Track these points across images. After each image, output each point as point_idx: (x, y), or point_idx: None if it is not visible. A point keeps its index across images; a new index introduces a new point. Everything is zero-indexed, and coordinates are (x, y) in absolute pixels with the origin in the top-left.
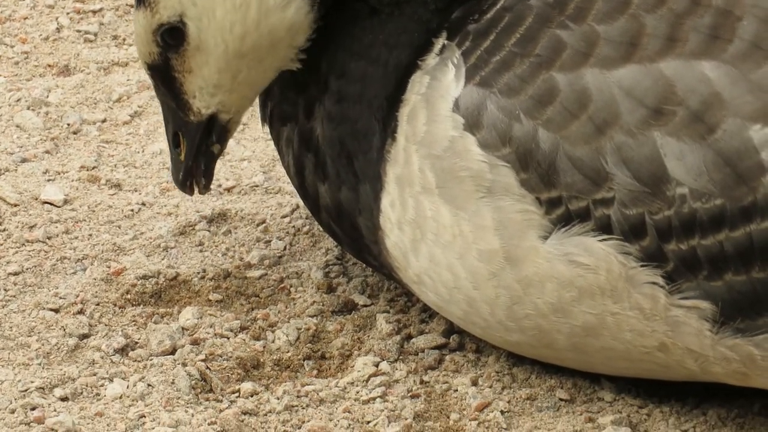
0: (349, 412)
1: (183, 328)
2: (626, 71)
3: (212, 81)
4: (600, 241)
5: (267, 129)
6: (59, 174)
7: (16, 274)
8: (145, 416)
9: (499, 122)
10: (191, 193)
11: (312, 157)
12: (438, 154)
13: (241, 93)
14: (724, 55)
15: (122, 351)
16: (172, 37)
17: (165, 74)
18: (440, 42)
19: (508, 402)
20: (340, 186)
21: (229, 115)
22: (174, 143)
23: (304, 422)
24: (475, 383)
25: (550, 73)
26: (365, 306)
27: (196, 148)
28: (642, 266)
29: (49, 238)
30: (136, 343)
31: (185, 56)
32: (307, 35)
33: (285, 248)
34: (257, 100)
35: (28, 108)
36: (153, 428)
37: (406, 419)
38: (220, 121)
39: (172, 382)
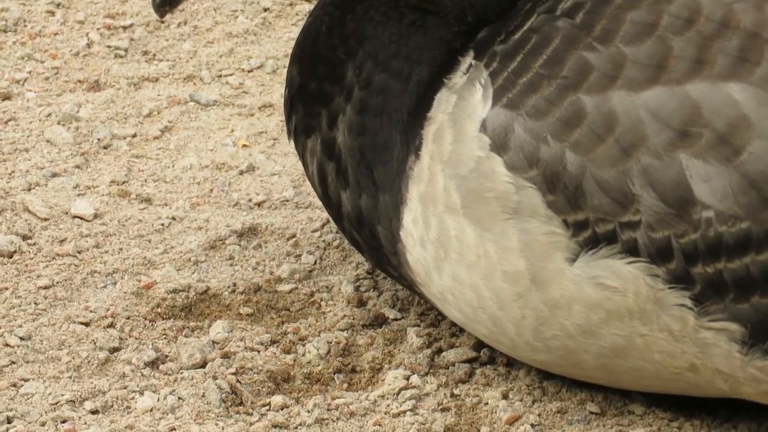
0: (379, 425)
1: (213, 342)
2: (653, 93)
3: None
4: (627, 263)
5: (293, 143)
6: (89, 188)
7: (46, 287)
8: (175, 429)
9: (526, 144)
10: (160, 15)
11: (334, 165)
12: (464, 174)
13: None
14: (751, 77)
15: (153, 364)
16: None
17: None
18: (467, 61)
19: (539, 415)
20: (360, 193)
21: None
22: None
23: None
24: (505, 396)
25: (577, 95)
26: (396, 320)
27: None
28: (670, 288)
29: (79, 252)
30: (167, 356)
31: None
32: None
33: (315, 262)
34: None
35: (59, 123)
36: None
37: None
38: None
39: (203, 396)
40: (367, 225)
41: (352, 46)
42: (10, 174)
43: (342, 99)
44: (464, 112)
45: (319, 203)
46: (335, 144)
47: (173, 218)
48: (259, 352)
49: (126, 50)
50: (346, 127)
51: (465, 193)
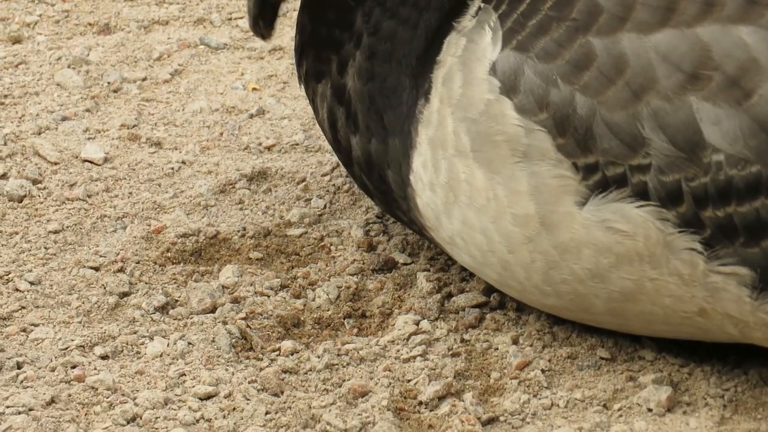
0: (389, 370)
1: (223, 287)
2: (663, 36)
3: None
4: (637, 207)
5: (303, 88)
6: (99, 132)
7: (56, 232)
8: (185, 374)
9: (536, 87)
10: (262, 37)
11: (344, 110)
12: (473, 117)
13: None
14: (762, 20)
15: (162, 309)
16: None
17: None
18: (476, 4)
19: (549, 361)
20: (370, 138)
21: None
22: None
23: (344, 381)
24: (515, 342)
25: (587, 37)
26: (405, 264)
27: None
28: (680, 232)
29: (89, 197)
30: (177, 301)
31: None
32: None
33: (325, 206)
34: (294, 60)
35: (69, 66)
36: (193, 386)
37: (447, 378)
38: None
39: (213, 341)
40: (377, 169)
41: None
42: (20, 118)
43: (352, 45)
44: (473, 54)
45: (328, 147)
46: (345, 89)
47: (183, 162)
48: (268, 296)
49: None
50: (355, 73)
51: (474, 136)
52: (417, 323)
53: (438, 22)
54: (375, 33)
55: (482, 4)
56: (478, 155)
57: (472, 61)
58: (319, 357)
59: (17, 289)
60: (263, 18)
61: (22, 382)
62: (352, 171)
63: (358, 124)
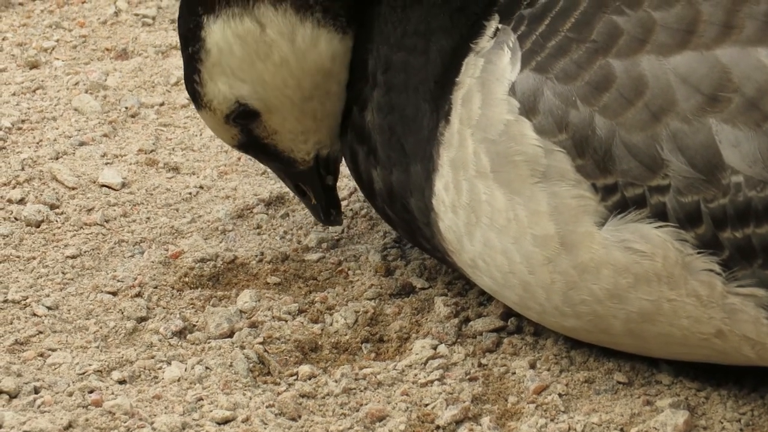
0: (407, 394)
1: (241, 311)
2: (682, 58)
3: (298, 130)
4: (656, 228)
5: None
6: (117, 157)
7: (74, 257)
8: (202, 399)
9: (555, 108)
10: (339, 223)
11: (364, 145)
12: (493, 137)
13: (327, 125)
14: None
15: (180, 334)
16: (244, 116)
17: (257, 146)
18: (493, 25)
19: (566, 385)
20: (391, 169)
21: (329, 147)
22: (300, 193)
23: (362, 405)
24: (533, 366)
25: (606, 59)
26: (423, 289)
27: (321, 188)
28: (698, 253)
29: (107, 221)
30: (194, 325)
31: (263, 123)
32: (350, 51)
33: (343, 231)
34: None
35: (87, 91)
36: (211, 411)
37: (464, 402)
38: (323, 156)
39: (230, 365)
40: (399, 199)
41: (367, 46)
42: (38, 143)
43: (368, 88)
44: (492, 75)
45: (346, 171)
46: (365, 125)
47: (201, 187)
48: (286, 321)
49: (154, 18)
50: (374, 108)
51: (494, 156)
52: (434, 348)
53: (452, 43)
54: (388, 69)
55: (500, 26)
56: (498, 176)
57: (491, 82)
58: (336, 381)
59: (35, 314)
60: (332, 206)
61: (39, 406)
62: (375, 204)
63: (379, 157)
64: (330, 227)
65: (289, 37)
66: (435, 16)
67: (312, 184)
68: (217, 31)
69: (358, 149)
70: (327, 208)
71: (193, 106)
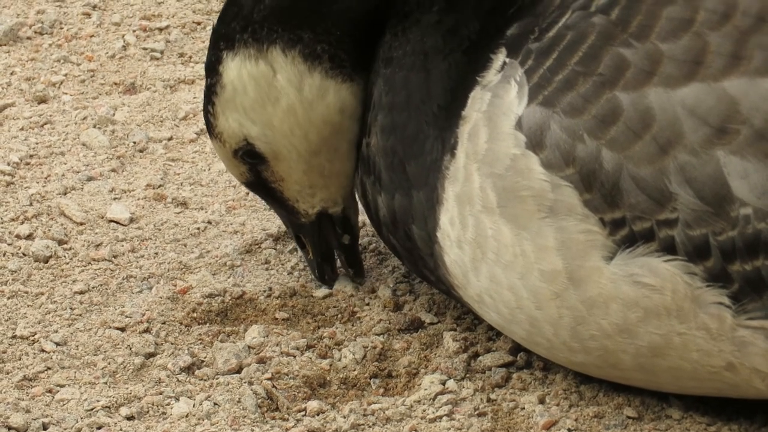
0: (415, 430)
1: (249, 347)
2: (690, 90)
3: (305, 183)
4: (665, 261)
5: None
6: (125, 192)
7: (82, 292)
8: None
9: (562, 142)
10: (331, 285)
11: (371, 175)
12: (500, 172)
13: (337, 184)
14: None
15: (188, 369)
16: (251, 156)
17: (263, 187)
18: (500, 59)
19: (576, 420)
20: (393, 193)
21: (339, 206)
22: (300, 245)
23: None
24: (542, 401)
25: (613, 92)
26: (432, 324)
27: (320, 245)
28: (708, 286)
29: (115, 257)
30: (203, 361)
31: (271, 167)
32: (360, 104)
33: None
34: None
35: (95, 126)
36: None
37: None
38: (332, 215)
39: (239, 401)
40: (402, 226)
41: (373, 78)
42: (46, 178)
43: (373, 113)
44: (499, 109)
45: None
46: (369, 149)
47: (209, 222)
48: (294, 357)
49: (162, 52)
50: (378, 131)
51: (501, 191)
52: (443, 383)
53: (446, 66)
54: (390, 90)
55: (508, 59)
56: (504, 211)
57: (497, 116)
58: (345, 417)
59: (43, 350)
60: (352, 264)
61: None
62: (381, 234)
63: (383, 181)
64: (330, 287)
65: (297, 86)
66: (429, 36)
67: (312, 239)
68: (234, 69)
69: (366, 180)
70: (321, 266)
71: (202, 141)
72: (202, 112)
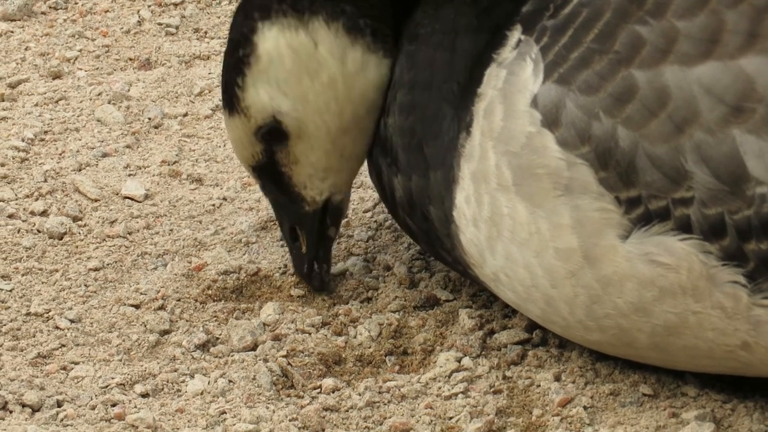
0: (431, 408)
1: (264, 324)
2: (706, 68)
3: (321, 165)
4: (680, 240)
5: None
6: (140, 169)
7: (96, 269)
8: (226, 412)
9: (578, 120)
10: (318, 283)
11: (387, 156)
12: (515, 150)
13: (349, 169)
14: None
15: (203, 347)
16: (273, 134)
17: (271, 171)
18: (515, 36)
19: (591, 397)
20: (410, 174)
21: (342, 194)
22: (292, 238)
23: (385, 418)
24: (557, 378)
25: (629, 70)
26: (448, 301)
27: (317, 236)
28: (723, 265)
29: (129, 234)
30: (218, 338)
31: (289, 149)
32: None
33: (367, 241)
34: None
35: (109, 102)
36: (234, 424)
37: (489, 415)
38: (333, 203)
39: (254, 378)
40: (419, 207)
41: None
42: (60, 154)
43: (392, 92)
44: (514, 87)
45: (370, 183)
46: (386, 128)
47: (224, 199)
48: (310, 334)
49: (177, 28)
50: (396, 110)
51: (516, 169)
52: (459, 360)
53: (472, 46)
54: (413, 67)
55: (523, 37)
56: (520, 189)
57: (513, 94)
58: (360, 394)
59: (57, 327)
60: (322, 262)
61: (62, 420)
62: (397, 216)
63: (399, 163)
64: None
65: (339, 58)
66: (463, 15)
67: (310, 230)
68: (271, 39)
69: (382, 162)
70: (312, 262)
71: (217, 117)
72: (219, 88)
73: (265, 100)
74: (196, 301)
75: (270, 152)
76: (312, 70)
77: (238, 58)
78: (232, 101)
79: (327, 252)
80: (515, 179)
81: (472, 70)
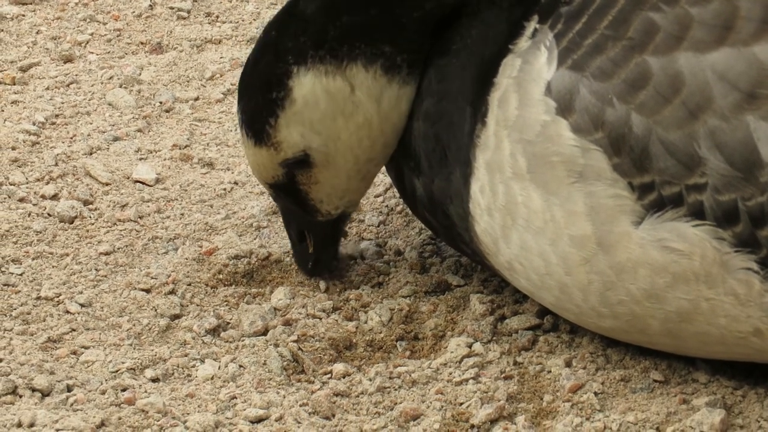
0: (441, 393)
1: (275, 309)
2: (720, 55)
3: (341, 187)
4: (693, 226)
5: None
6: (151, 153)
7: (107, 253)
8: (236, 397)
9: (591, 106)
10: (322, 277)
11: (410, 160)
12: (529, 138)
13: (366, 186)
14: None
15: (214, 332)
16: (298, 164)
17: (289, 189)
18: (532, 25)
19: (602, 383)
20: (433, 178)
21: (355, 208)
22: (299, 238)
23: (396, 404)
24: (568, 364)
25: (642, 56)
26: (459, 286)
27: (324, 241)
28: (736, 252)
29: (140, 218)
30: (228, 323)
31: (311, 173)
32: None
33: (379, 226)
34: None
35: (121, 86)
36: (244, 409)
37: (499, 401)
38: (346, 213)
39: (264, 363)
40: (440, 206)
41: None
42: (71, 138)
43: (418, 100)
44: (529, 75)
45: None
46: (411, 133)
47: (235, 183)
48: (320, 319)
49: (189, 12)
50: (422, 117)
51: (531, 157)
52: (470, 346)
53: (498, 49)
54: (443, 79)
55: (538, 25)
56: (534, 177)
57: (527, 82)
58: (371, 380)
59: (68, 311)
60: (332, 257)
61: (72, 405)
62: (416, 211)
63: (421, 166)
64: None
65: (376, 99)
66: (494, 26)
67: (318, 235)
68: (307, 84)
69: (404, 163)
70: (317, 262)
71: (228, 101)
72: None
73: (297, 139)
74: (207, 285)
75: (291, 174)
76: (347, 112)
77: (271, 99)
78: (261, 136)
79: (335, 250)
80: (530, 167)
81: (490, 63)
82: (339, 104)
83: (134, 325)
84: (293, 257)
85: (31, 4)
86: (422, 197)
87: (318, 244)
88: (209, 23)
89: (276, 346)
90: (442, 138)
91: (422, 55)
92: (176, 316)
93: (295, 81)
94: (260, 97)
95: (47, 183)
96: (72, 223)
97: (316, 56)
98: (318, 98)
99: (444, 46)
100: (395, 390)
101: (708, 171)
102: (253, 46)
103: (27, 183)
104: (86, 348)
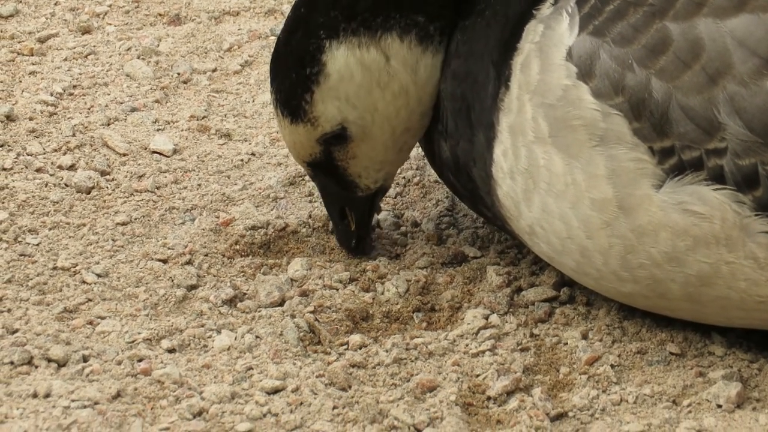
0: (458, 365)
1: (292, 280)
2: (739, 21)
3: (379, 159)
4: (714, 190)
5: None
6: (169, 123)
7: (124, 224)
8: (252, 368)
9: (612, 71)
10: (366, 252)
11: (438, 122)
12: (551, 102)
13: (402, 159)
14: None
15: (230, 302)
16: (335, 139)
17: (327, 166)
18: None
19: (619, 356)
20: (458, 140)
21: (392, 179)
22: (340, 217)
23: (412, 375)
24: (585, 337)
25: (663, 22)
26: (475, 258)
27: (367, 216)
28: (756, 215)
29: (157, 188)
30: (245, 294)
31: (348, 148)
32: None
33: (396, 197)
34: None
35: (139, 57)
36: (260, 380)
37: (516, 373)
38: (384, 187)
39: (281, 334)
40: (464, 169)
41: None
42: (89, 109)
43: (446, 63)
44: (551, 40)
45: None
46: (439, 103)
47: (253, 154)
48: (337, 290)
49: None
50: (449, 76)
51: (552, 121)
52: (486, 317)
53: (522, 10)
54: (470, 39)
55: None
56: (556, 140)
57: (549, 47)
58: (387, 351)
59: (84, 282)
60: (365, 235)
61: (87, 375)
62: (442, 175)
63: (447, 127)
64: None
65: (412, 68)
66: None
67: (360, 211)
68: (341, 58)
69: (432, 128)
70: (360, 238)
71: (246, 72)
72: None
73: (334, 113)
74: (224, 256)
75: (328, 151)
76: (383, 83)
77: (305, 75)
78: (297, 113)
79: (368, 228)
80: (551, 131)
81: (513, 27)
82: (374, 75)
83: (151, 295)
84: (335, 237)
85: None
86: (448, 160)
87: (359, 221)
88: None
89: (292, 317)
90: (468, 97)
91: (452, 23)
92: (193, 287)
93: (328, 55)
94: (294, 75)
95: (65, 153)
96: (89, 193)
97: (349, 29)
98: (352, 71)
99: (469, 8)
100: (412, 361)
101: (727, 136)
102: (271, 17)
103: (44, 153)
104: (102, 318)
